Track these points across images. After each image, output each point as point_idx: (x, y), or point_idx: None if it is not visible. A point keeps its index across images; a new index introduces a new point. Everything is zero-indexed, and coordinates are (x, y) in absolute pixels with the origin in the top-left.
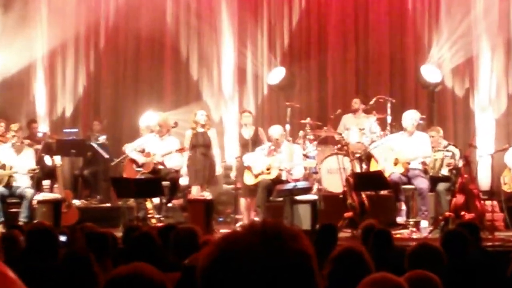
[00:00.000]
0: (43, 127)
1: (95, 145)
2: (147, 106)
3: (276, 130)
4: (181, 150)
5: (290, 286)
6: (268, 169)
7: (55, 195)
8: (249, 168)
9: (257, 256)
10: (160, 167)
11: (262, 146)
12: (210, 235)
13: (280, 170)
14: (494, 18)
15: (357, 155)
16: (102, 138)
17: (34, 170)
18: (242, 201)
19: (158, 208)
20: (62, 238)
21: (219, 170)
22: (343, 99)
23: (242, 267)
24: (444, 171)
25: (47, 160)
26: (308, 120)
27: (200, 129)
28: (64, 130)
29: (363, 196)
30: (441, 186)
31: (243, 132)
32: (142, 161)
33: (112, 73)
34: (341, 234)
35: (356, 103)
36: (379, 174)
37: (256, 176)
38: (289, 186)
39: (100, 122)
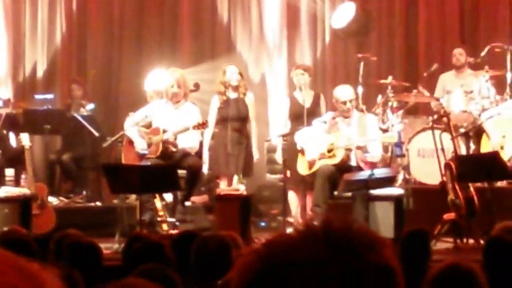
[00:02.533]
0: (3, 92)
1: (79, 118)
2: (156, 62)
3: (344, 92)
4: (202, 125)
5: None
6: (330, 150)
7: (23, 190)
8: (302, 151)
9: (318, 272)
10: (174, 149)
11: (322, 118)
12: (248, 246)
13: (348, 150)
14: None
15: (463, 130)
16: (90, 108)
17: None
18: (293, 198)
19: (171, 209)
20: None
21: (259, 154)
22: (442, 50)
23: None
24: None
25: (11, 139)
26: (390, 79)
27: (231, 94)
28: (35, 97)
29: (471, 189)
30: None
31: (296, 97)
32: (143, 145)
33: (104, 15)
34: (439, 245)
35: (460, 55)
36: (494, 157)
37: (312, 163)
38: (363, 175)
39: (81, 85)
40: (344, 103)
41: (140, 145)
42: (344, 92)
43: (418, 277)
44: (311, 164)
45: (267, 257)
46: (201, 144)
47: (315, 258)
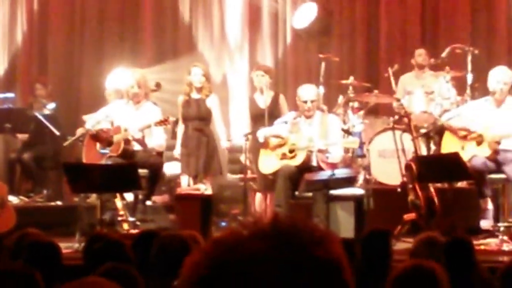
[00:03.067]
0: None
1: (40, 117)
2: (117, 61)
3: (306, 91)
4: (164, 122)
5: None
6: (291, 151)
7: None
8: (266, 145)
9: (265, 268)
10: (137, 148)
11: (284, 118)
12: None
13: (310, 151)
14: None
15: (423, 131)
16: (51, 107)
17: None
18: (257, 198)
19: (132, 208)
20: None
21: (221, 153)
22: (402, 50)
23: (243, 285)
24: None
25: None
26: (351, 80)
27: (194, 95)
28: None
29: (432, 190)
30: None
31: (257, 98)
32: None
33: (65, 14)
34: (399, 245)
35: (420, 55)
36: (454, 158)
37: (273, 148)
38: (324, 175)
39: (44, 84)
40: (305, 102)
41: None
42: (305, 91)
43: (380, 276)
44: (273, 148)
45: (215, 254)
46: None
47: (263, 254)
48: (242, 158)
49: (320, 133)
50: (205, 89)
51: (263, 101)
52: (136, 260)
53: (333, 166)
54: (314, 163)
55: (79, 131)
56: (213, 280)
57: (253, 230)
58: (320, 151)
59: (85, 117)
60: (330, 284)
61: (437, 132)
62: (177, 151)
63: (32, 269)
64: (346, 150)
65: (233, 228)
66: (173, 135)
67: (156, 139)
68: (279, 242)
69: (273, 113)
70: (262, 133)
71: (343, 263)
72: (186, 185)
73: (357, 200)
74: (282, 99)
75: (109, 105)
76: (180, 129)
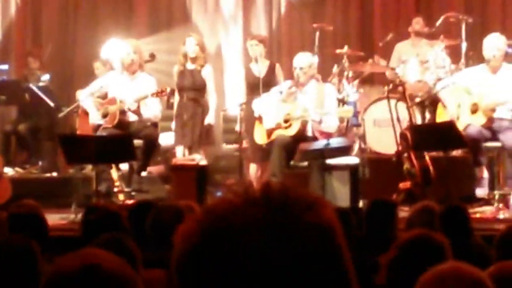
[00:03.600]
0: None
1: (34, 89)
2: (111, 32)
3: (303, 59)
4: (160, 93)
5: (306, 276)
6: (286, 120)
7: None
8: (260, 119)
9: (257, 236)
10: (132, 119)
11: (279, 87)
12: None
13: (305, 121)
14: None
15: (418, 100)
16: (45, 78)
17: None
18: (251, 168)
19: (127, 179)
20: None
21: (215, 123)
22: (396, 19)
23: (236, 252)
24: None
25: None
26: (345, 49)
27: (189, 65)
28: None
29: (427, 158)
30: None
31: (252, 67)
32: (98, 117)
33: None
34: None
35: (418, 23)
36: (449, 127)
37: (270, 131)
38: (319, 144)
39: (37, 56)
40: (303, 71)
41: (94, 117)
42: (302, 59)
43: (383, 248)
44: (269, 132)
45: (207, 222)
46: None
47: (254, 222)
48: (237, 127)
49: (315, 103)
50: (199, 59)
51: (259, 70)
52: (132, 231)
53: (328, 135)
54: (309, 133)
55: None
56: (205, 248)
57: (245, 198)
58: (314, 121)
59: (79, 93)
60: (323, 248)
61: (432, 101)
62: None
63: (28, 239)
64: (341, 120)
65: (225, 196)
66: (168, 106)
67: (152, 110)
68: (270, 209)
69: (269, 82)
70: (257, 108)
71: (335, 228)
72: (181, 155)
73: (352, 169)
74: (278, 68)
75: (103, 76)
76: (177, 99)
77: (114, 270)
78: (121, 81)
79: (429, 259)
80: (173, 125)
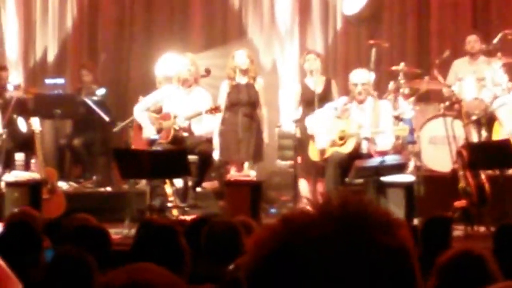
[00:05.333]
0: (15, 77)
1: (89, 103)
2: (166, 47)
3: (357, 74)
4: (215, 109)
5: None
6: (341, 138)
7: (32, 175)
8: (313, 137)
9: (331, 251)
10: (185, 134)
11: (334, 103)
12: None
13: (359, 139)
14: None
15: (474, 118)
16: (100, 93)
17: None
18: (302, 184)
19: (182, 194)
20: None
21: (270, 140)
22: (453, 36)
23: (308, 266)
24: None
25: (21, 124)
26: (401, 66)
27: (241, 79)
28: (46, 81)
29: (483, 177)
30: None
31: (308, 83)
32: (152, 131)
33: (116, 0)
34: None
35: (475, 41)
36: (506, 145)
37: (323, 151)
38: (374, 162)
39: (91, 70)
40: (355, 85)
41: (149, 132)
42: (357, 74)
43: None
44: (322, 152)
45: (284, 233)
46: None
47: (329, 237)
48: (290, 145)
49: (371, 120)
50: (251, 71)
51: (314, 85)
52: (189, 247)
53: (383, 153)
54: (364, 150)
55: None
56: (279, 258)
57: (323, 211)
58: (367, 139)
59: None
60: (395, 272)
61: (488, 119)
62: (216, 140)
63: (86, 253)
64: (397, 137)
65: (303, 208)
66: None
67: (206, 126)
68: (347, 226)
69: (325, 98)
70: (310, 125)
71: (409, 251)
72: (235, 171)
73: (407, 187)
74: (333, 84)
75: (160, 90)
76: (218, 117)
77: (160, 284)
78: (176, 95)
79: (470, 275)
80: (215, 141)
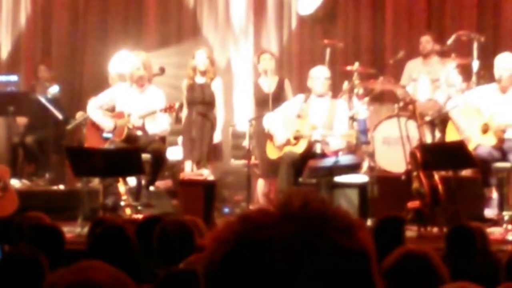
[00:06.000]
0: None
1: (43, 100)
2: (120, 44)
3: (323, 70)
4: (169, 108)
5: None
6: (296, 138)
7: None
8: (271, 137)
9: (291, 252)
10: (139, 133)
11: (291, 102)
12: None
13: (313, 141)
14: None
15: (428, 118)
16: (54, 90)
17: None
18: (259, 184)
19: (135, 193)
20: None
21: (224, 139)
22: (408, 37)
23: (267, 265)
24: None
25: None
26: (356, 66)
27: (199, 79)
28: None
29: (436, 178)
30: None
31: (262, 83)
32: (110, 125)
33: None
34: None
35: (427, 42)
36: (459, 146)
37: (281, 148)
38: (328, 162)
39: (48, 67)
40: (318, 78)
41: (108, 126)
42: (319, 69)
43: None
44: (280, 149)
45: (243, 231)
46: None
47: (290, 237)
48: (246, 143)
49: (325, 120)
50: (209, 72)
51: (268, 85)
52: (140, 245)
53: (337, 152)
54: (318, 150)
55: (79, 115)
56: (238, 256)
57: (283, 211)
58: (316, 141)
59: (88, 104)
60: (355, 275)
61: (442, 119)
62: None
63: (38, 252)
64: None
65: (263, 207)
66: (177, 120)
67: (160, 125)
68: (307, 227)
69: (278, 97)
70: (267, 124)
71: (369, 254)
72: (189, 170)
73: (361, 187)
74: (287, 84)
75: (113, 88)
76: (185, 114)
77: (107, 283)
78: (129, 94)
79: (419, 277)
80: (180, 139)
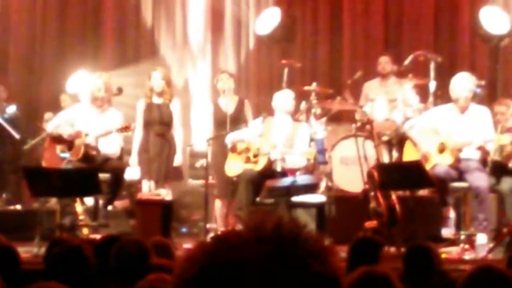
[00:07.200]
0: None
1: (0, 120)
2: (78, 64)
3: (287, 96)
4: (125, 128)
5: None
6: (255, 155)
7: None
8: (234, 149)
9: (263, 275)
10: (94, 152)
11: (254, 123)
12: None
13: (270, 158)
14: None
15: (385, 138)
16: (11, 110)
17: None
18: (217, 204)
19: (92, 213)
20: None
21: (181, 159)
22: (366, 57)
23: (239, 286)
24: None
25: None
26: (313, 86)
27: (156, 99)
28: None
29: (393, 197)
30: (508, 184)
31: (221, 103)
32: (71, 130)
33: (27, 15)
34: None
35: (386, 63)
36: (416, 166)
37: (240, 152)
38: (285, 182)
39: (6, 86)
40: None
41: (67, 131)
42: (286, 97)
43: None
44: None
45: (215, 252)
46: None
47: (263, 260)
48: (199, 164)
49: (285, 140)
50: (166, 93)
51: (226, 105)
52: (97, 265)
53: (294, 171)
54: (278, 168)
55: (48, 116)
56: (209, 277)
57: (256, 233)
58: (275, 160)
59: (47, 116)
60: None
61: (399, 139)
62: (134, 159)
63: None
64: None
65: (237, 228)
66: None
67: (112, 146)
68: (280, 250)
69: (237, 118)
70: (230, 138)
71: (339, 280)
72: (147, 190)
73: (318, 207)
74: (247, 104)
75: (71, 108)
76: (137, 135)
77: None
78: (88, 114)
79: None
80: (133, 159)
